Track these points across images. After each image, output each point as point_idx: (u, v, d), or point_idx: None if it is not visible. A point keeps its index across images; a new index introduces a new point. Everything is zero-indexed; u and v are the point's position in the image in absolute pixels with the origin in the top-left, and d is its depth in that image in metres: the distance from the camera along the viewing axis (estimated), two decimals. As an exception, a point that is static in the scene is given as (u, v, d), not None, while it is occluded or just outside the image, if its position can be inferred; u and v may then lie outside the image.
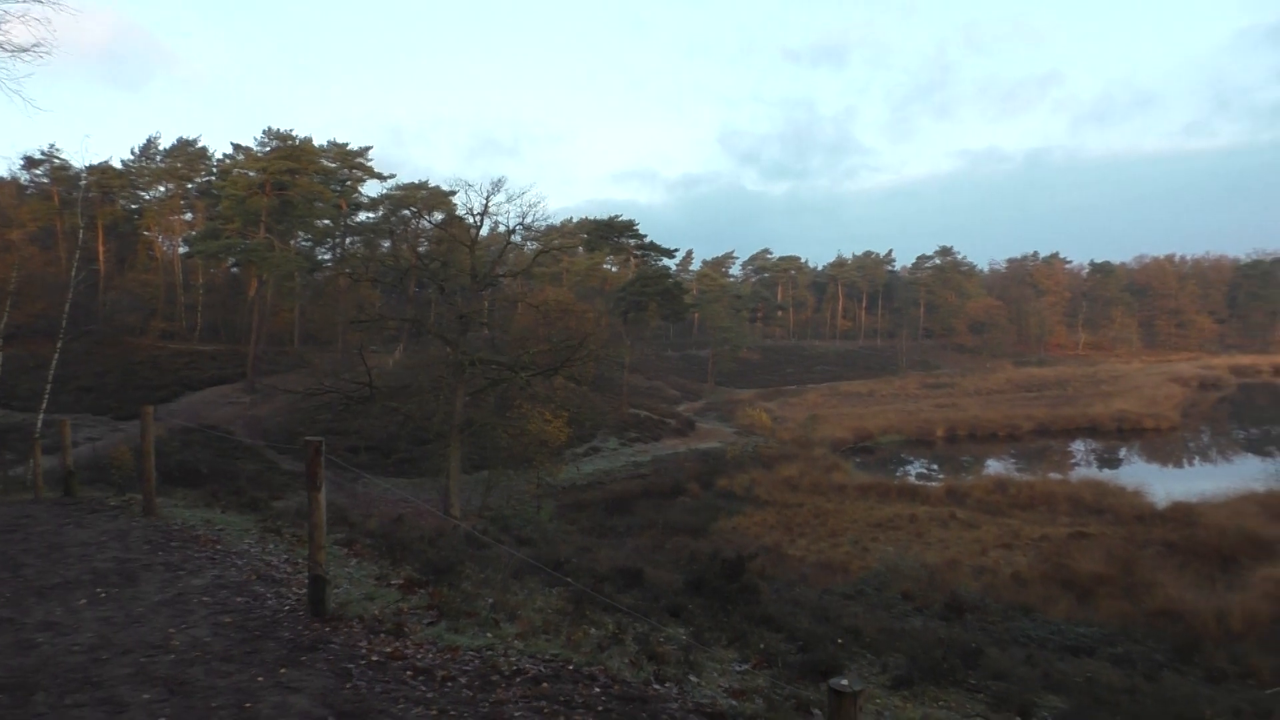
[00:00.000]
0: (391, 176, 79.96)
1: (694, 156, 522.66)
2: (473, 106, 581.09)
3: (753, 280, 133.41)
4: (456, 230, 44.63)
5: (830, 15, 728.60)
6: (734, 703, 6.20)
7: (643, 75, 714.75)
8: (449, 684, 5.59)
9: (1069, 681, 10.70)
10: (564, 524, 30.55)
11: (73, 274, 34.03)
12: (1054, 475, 41.39)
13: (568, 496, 38.24)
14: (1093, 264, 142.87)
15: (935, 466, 50.76)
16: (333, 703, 5.08)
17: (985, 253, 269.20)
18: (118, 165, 73.98)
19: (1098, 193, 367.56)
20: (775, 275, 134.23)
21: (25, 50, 12.82)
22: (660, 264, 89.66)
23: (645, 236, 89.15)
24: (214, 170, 75.52)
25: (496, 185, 34.17)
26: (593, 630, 7.95)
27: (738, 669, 7.63)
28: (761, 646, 8.70)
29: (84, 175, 61.47)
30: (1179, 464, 50.63)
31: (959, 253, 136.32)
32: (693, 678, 6.75)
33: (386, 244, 74.96)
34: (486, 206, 33.99)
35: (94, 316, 59.54)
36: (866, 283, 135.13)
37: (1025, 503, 34.34)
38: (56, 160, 68.69)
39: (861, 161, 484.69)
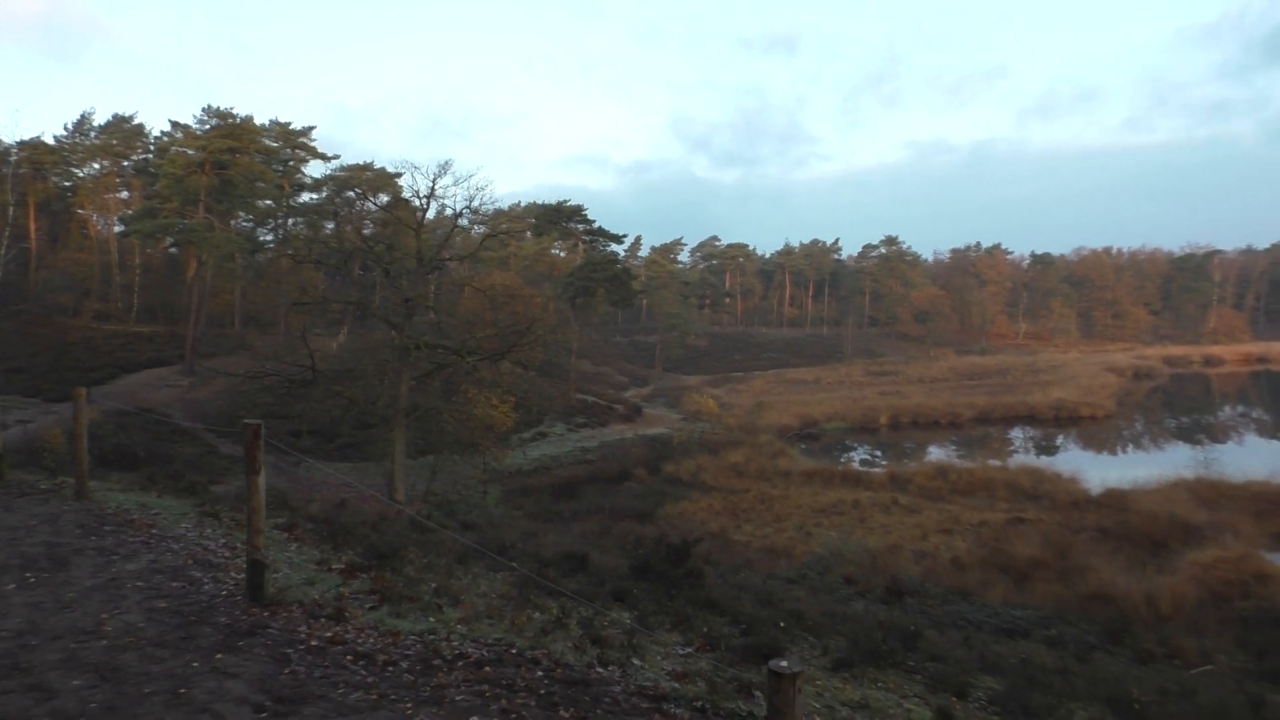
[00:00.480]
0: (336, 157, 78.94)
1: (645, 142, 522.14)
2: (422, 87, 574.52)
3: (701, 267, 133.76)
4: (402, 213, 44.06)
5: (783, 2, 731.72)
6: (676, 685, 6.24)
7: (595, 59, 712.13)
8: (390, 668, 5.54)
9: (1004, 663, 10.93)
10: (510, 509, 30.44)
11: (2, 252, 33.02)
12: (994, 462, 42.22)
13: (514, 482, 38.06)
14: (1033, 255, 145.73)
15: (879, 453, 51.49)
16: (270, 688, 5.00)
17: (930, 243, 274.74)
18: (50, 141, 71.81)
19: (1040, 185, 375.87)
20: (724, 262, 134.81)
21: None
22: (609, 250, 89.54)
23: (594, 222, 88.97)
24: (151, 148, 73.55)
25: (443, 168, 33.88)
26: (537, 614, 7.94)
27: (681, 652, 7.67)
28: (705, 630, 8.76)
29: (14, 151, 59.53)
30: (1113, 452, 51.94)
31: (904, 242, 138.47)
32: (636, 661, 6.78)
33: (330, 226, 73.66)
34: (433, 189, 33.69)
35: (25, 296, 57.90)
36: (814, 271, 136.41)
37: (965, 489, 34.96)
38: (-15, 134, 66.47)
39: (811, 150, 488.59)
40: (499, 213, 69.62)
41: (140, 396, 46.02)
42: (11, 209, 38.44)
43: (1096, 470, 39.00)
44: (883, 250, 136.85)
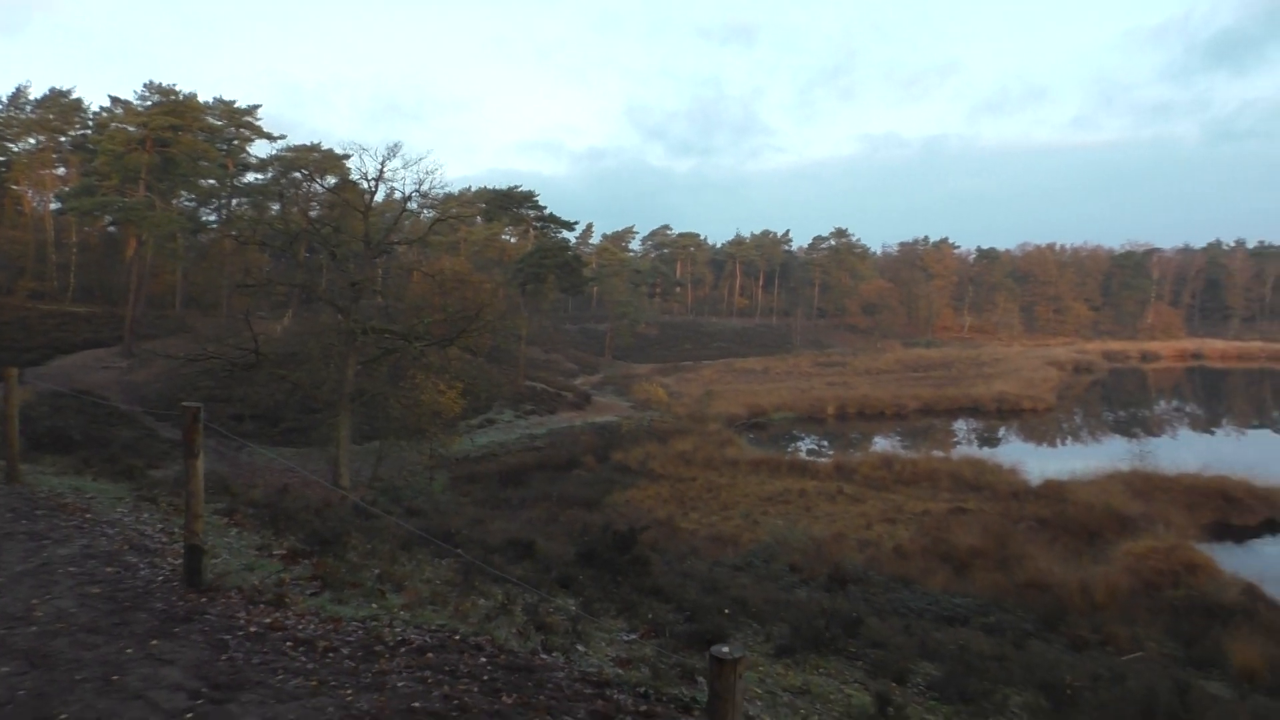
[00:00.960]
0: (282, 137, 77.36)
1: (600, 130, 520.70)
2: (375, 68, 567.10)
3: (652, 256, 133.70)
4: (350, 195, 43.48)
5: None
6: (620, 671, 6.26)
7: (552, 45, 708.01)
8: (330, 655, 5.48)
9: (943, 649, 11.14)
10: (457, 496, 30.25)
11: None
12: (937, 453, 42.81)
13: (461, 468, 37.76)
14: (980, 250, 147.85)
15: (825, 443, 52.01)
16: (207, 674, 4.92)
17: (880, 236, 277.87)
18: (-17, 114, 69.60)
19: (989, 181, 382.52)
20: (675, 251, 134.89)
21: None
22: (560, 236, 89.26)
23: (545, 208, 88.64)
24: (90, 124, 71.48)
25: (393, 150, 33.48)
26: (481, 601, 7.92)
27: (625, 639, 7.70)
28: (650, 617, 8.80)
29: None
30: (1053, 444, 53.04)
31: (854, 235, 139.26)
32: (580, 647, 6.78)
33: (276, 207, 72.28)
34: (382, 172, 33.27)
35: (-45, 273, 56.07)
36: (764, 261, 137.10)
37: (909, 479, 35.41)
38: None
39: (766, 142, 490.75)
40: (449, 197, 69.00)
41: (76, 378, 44.84)
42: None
43: (1036, 462, 39.78)
44: (832, 242, 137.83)
